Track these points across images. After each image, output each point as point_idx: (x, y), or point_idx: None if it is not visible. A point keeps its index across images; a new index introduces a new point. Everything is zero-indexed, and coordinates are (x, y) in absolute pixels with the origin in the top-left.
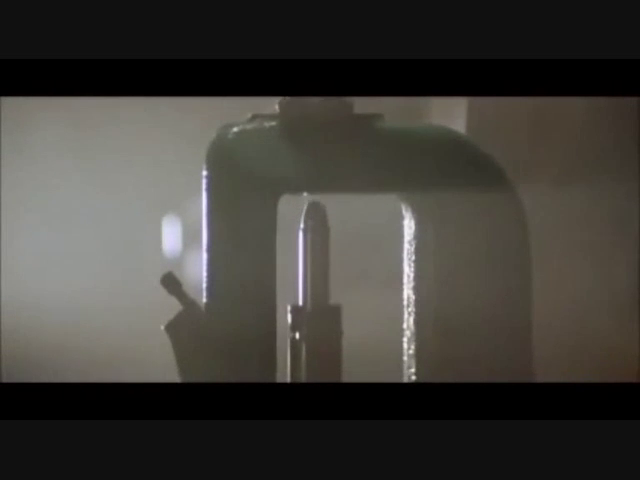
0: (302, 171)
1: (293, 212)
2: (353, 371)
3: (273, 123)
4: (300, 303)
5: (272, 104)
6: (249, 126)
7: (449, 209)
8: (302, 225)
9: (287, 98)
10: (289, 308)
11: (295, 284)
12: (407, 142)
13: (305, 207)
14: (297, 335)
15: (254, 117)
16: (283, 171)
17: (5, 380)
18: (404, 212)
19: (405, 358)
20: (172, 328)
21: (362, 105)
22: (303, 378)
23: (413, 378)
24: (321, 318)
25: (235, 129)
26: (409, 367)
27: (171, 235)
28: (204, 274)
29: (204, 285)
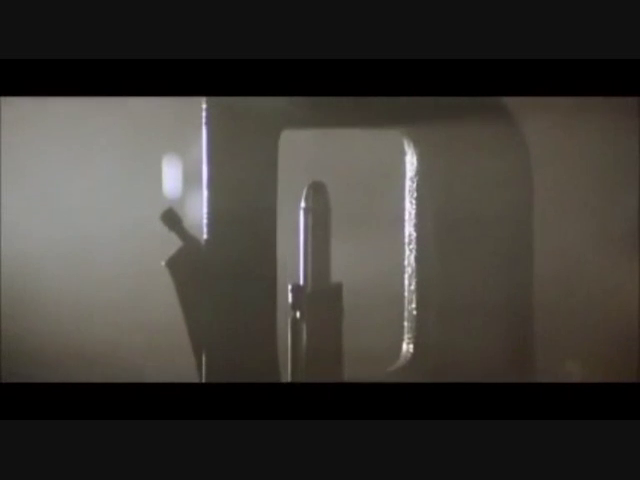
0: (303, 105)
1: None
2: (355, 308)
3: None
4: (301, 283)
5: None
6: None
7: (451, 144)
8: (303, 205)
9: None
10: (290, 287)
11: (296, 264)
12: None
13: (306, 187)
14: (298, 314)
15: None
16: (284, 105)
17: (4, 317)
18: (406, 148)
19: (406, 294)
20: (173, 264)
21: None
22: (303, 357)
23: (414, 313)
24: (322, 298)
25: None
26: (410, 302)
27: (171, 171)
28: (204, 210)
29: (204, 221)
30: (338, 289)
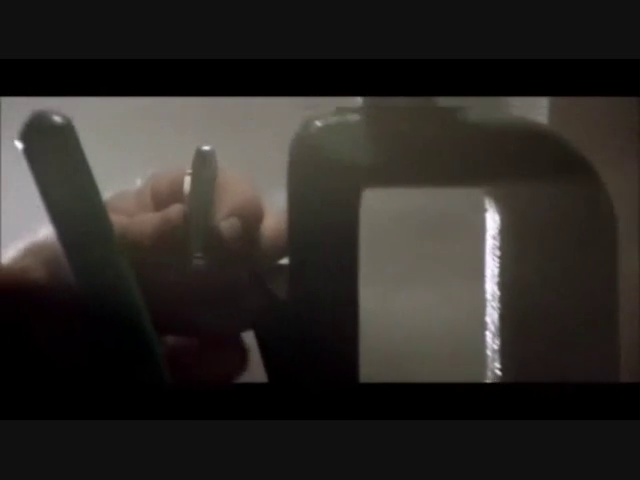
0: (386, 164)
1: None
2: (437, 364)
3: (357, 115)
4: None
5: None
6: (333, 119)
7: (535, 204)
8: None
9: None
10: None
11: None
12: (492, 134)
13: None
14: None
15: (338, 110)
16: (367, 164)
17: None
18: (487, 205)
19: (489, 353)
20: None
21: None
22: None
23: (498, 373)
24: None
25: (318, 123)
26: (493, 361)
27: None
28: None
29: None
30: None
